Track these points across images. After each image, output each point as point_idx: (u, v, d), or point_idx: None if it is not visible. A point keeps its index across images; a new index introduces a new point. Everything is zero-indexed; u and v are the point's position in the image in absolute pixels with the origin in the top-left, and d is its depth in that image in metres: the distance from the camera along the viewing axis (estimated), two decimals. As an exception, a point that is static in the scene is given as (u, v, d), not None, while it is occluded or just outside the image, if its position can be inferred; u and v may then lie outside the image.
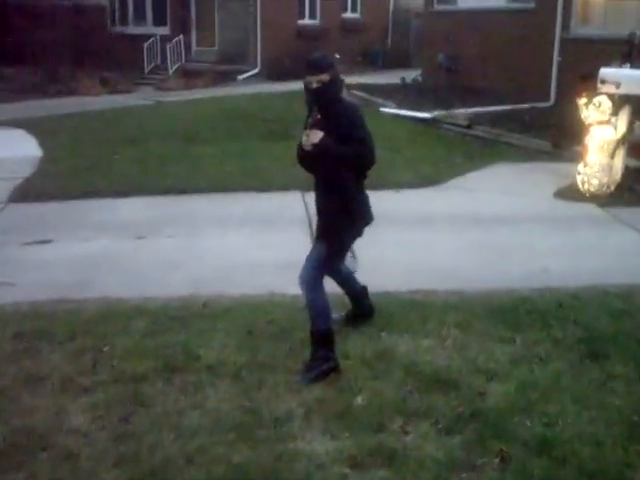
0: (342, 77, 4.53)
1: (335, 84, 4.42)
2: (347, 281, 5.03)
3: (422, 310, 5.32)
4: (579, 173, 8.92)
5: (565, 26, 13.92)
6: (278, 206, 8.46)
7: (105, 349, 4.78)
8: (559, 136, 11.71)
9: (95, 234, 7.42)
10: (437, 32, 17.48)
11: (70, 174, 9.87)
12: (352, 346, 4.77)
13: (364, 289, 5.14)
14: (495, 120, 13.22)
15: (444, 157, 10.96)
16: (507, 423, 3.90)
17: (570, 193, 8.93)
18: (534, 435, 3.79)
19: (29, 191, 9.09)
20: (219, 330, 5.01)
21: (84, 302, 5.56)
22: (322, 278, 4.55)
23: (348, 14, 25.87)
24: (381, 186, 9.01)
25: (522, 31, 14.62)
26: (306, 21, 24.19)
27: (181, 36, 23.14)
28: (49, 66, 20.96)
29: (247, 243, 7.16)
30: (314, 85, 4.36)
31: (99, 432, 3.86)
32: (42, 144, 12.12)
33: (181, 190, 9.06)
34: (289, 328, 5.03)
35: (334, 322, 4.82)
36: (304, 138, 4.31)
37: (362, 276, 5.10)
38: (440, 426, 3.88)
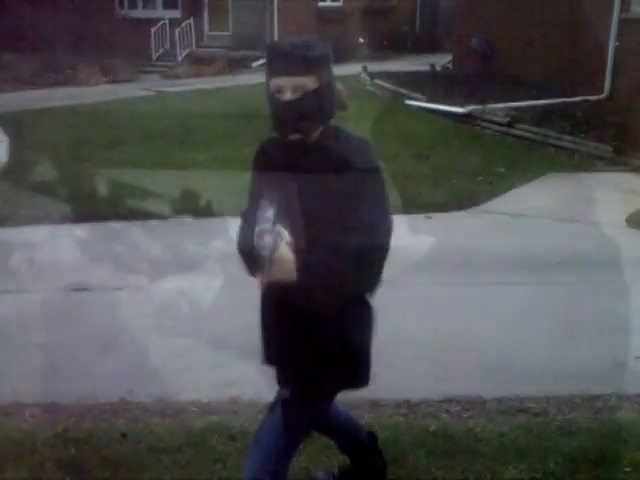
0: (339, 87, 2.35)
1: (328, 96, 2.27)
2: (342, 427, 2.85)
3: (461, 453, 3.34)
4: (660, 194, 6.95)
5: (625, 4, 11.76)
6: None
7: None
8: (621, 138, 9.70)
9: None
10: (470, 13, 15.45)
11: (18, 190, 7.99)
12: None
13: (372, 438, 2.96)
14: (541, 117, 11.18)
15: (482, 166, 8.97)
16: None
17: (647, 220, 6.94)
18: None
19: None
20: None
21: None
22: (287, 469, 2.47)
23: (374, -5, 23.94)
24: (407, 208, 7.17)
25: (572, 10, 12.47)
26: (328, 3, 22.55)
27: (191, 19, 21.30)
28: (48, 53, 19.22)
29: (222, 297, 5.23)
30: (288, 95, 2.20)
31: None
32: (12, 146, 10.33)
33: (146, 215, 7.15)
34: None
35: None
36: (263, 241, 2.03)
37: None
38: None
